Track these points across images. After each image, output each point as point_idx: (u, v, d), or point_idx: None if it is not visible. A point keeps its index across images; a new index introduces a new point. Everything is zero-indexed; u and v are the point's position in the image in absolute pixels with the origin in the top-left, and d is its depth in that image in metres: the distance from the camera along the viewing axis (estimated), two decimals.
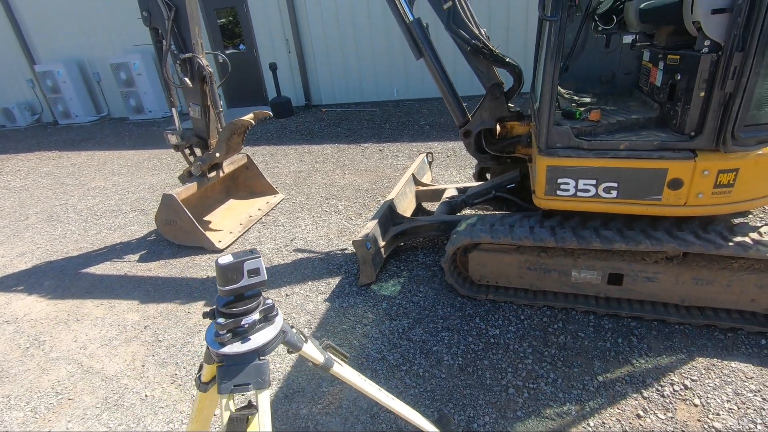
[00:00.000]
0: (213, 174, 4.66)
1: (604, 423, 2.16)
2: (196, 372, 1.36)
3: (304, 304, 3.33)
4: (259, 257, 1.14)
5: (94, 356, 3.06)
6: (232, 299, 1.14)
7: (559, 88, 3.12)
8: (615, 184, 2.58)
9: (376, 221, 3.54)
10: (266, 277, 1.17)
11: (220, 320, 1.11)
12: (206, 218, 4.77)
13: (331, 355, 1.43)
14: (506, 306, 3.04)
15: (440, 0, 3.16)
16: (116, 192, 6.37)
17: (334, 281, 3.57)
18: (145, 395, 2.67)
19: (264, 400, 1.13)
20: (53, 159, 8.71)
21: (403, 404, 1.75)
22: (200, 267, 4.07)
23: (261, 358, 1.14)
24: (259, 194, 5.34)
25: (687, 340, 2.57)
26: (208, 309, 1.16)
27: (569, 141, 2.62)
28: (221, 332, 1.11)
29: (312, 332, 3.02)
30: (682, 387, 2.28)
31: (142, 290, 3.79)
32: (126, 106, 11.44)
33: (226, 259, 1.11)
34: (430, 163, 5.16)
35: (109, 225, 5.24)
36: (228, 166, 4.90)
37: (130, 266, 4.22)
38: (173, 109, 4.50)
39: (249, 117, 4.38)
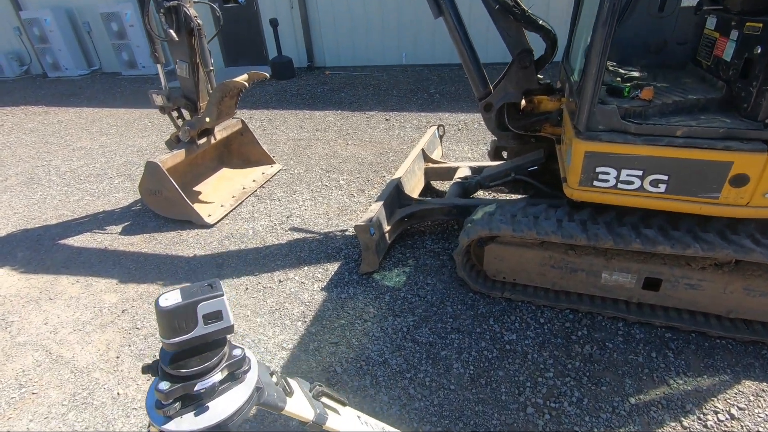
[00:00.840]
0: (203, 140, 4.24)
1: None
2: (147, 424, 1.04)
3: (298, 293, 3.02)
4: (222, 296, 0.78)
5: (64, 343, 2.77)
6: (183, 351, 0.80)
7: None
8: (665, 177, 2.19)
9: (381, 203, 3.17)
10: (232, 323, 0.82)
11: (163, 386, 0.76)
12: (195, 189, 4.39)
13: (326, 403, 1.10)
14: (524, 306, 2.72)
15: None
16: (103, 154, 5.95)
17: (333, 267, 3.25)
18: (118, 393, 2.39)
19: None
20: (39, 114, 8.21)
21: None
22: (187, 243, 3.73)
23: None
24: (254, 163, 4.94)
25: (731, 359, 2.27)
26: (150, 361, 0.82)
27: (614, 123, 2.22)
28: (165, 402, 0.77)
29: (306, 327, 2.72)
30: (727, 416, 1.99)
31: (123, 267, 3.47)
32: (118, 60, 10.79)
33: (170, 299, 0.75)
34: (441, 137, 4.73)
35: (92, 191, 4.87)
36: (220, 132, 4.47)
37: (111, 239, 3.88)
38: (158, 66, 4.02)
39: (242, 78, 3.92)
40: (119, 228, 4.05)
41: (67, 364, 2.60)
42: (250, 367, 0.87)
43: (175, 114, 4.24)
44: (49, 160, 5.87)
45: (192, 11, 3.68)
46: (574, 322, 2.57)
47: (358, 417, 1.27)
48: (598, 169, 2.31)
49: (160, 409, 0.77)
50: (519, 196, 3.76)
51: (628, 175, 2.27)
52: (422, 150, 4.11)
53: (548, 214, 2.60)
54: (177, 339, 0.76)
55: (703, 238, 2.23)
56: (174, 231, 3.90)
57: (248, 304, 2.95)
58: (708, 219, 2.33)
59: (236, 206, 4.24)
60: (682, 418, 2.00)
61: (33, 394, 2.43)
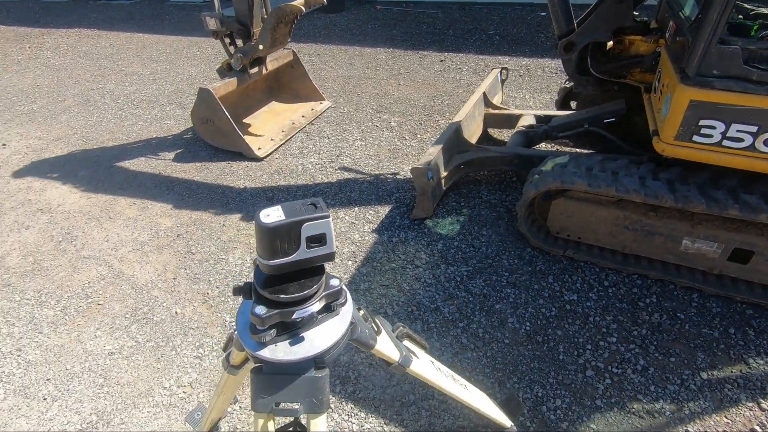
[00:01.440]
0: (255, 70, 4.10)
1: None
2: (223, 347, 1.00)
3: (348, 233, 2.97)
4: (328, 217, 0.68)
5: (125, 260, 2.87)
6: (280, 275, 0.71)
7: None
8: None
9: (440, 147, 2.99)
10: (334, 249, 0.72)
11: (260, 310, 0.69)
12: (246, 120, 4.33)
13: (408, 346, 1.03)
14: (586, 267, 2.56)
15: None
16: (154, 81, 5.94)
17: (384, 210, 3.15)
18: (176, 312, 2.47)
19: (319, 426, 0.75)
20: (92, 38, 8.24)
21: (480, 394, 1.38)
22: (237, 175, 3.72)
23: (319, 367, 0.74)
24: (303, 99, 4.78)
25: None
26: (241, 283, 0.74)
27: (734, 68, 1.90)
28: (261, 328, 0.70)
29: (357, 267, 2.68)
30: None
31: (176, 193, 3.52)
32: None
33: (272, 215, 0.65)
34: (503, 81, 4.37)
35: (145, 117, 4.90)
36: (272, 63, 4.30)
37: (164, 165, 3.92)
38: None
39: (299, 2, 3.67)
40: (172, 155, 4.09)
41: (128, 280, 2.71)
42: (346, 300, 0.79)
43: (227, 40, 4.09)
44: (104, 84, 5.93)
45: None
46: (642, 289, 2.40)
47: (432, 362, 1.21)
48: (701, 122, 2.02)
49: (254, 334, 0.70)
50: (584, 151, 3.47)
51: (738, 131, 1.98)
52: (484, 93, 3.81)
53: (629, 171, 2.36)
54: (277, 261, 0.67)
55: None
56: (225, 162, 3.89)
57: None
58: None
59: (285, 141, 4.16)
60: (761, 400, 1.85)
61: (99, 305, 2.56)
